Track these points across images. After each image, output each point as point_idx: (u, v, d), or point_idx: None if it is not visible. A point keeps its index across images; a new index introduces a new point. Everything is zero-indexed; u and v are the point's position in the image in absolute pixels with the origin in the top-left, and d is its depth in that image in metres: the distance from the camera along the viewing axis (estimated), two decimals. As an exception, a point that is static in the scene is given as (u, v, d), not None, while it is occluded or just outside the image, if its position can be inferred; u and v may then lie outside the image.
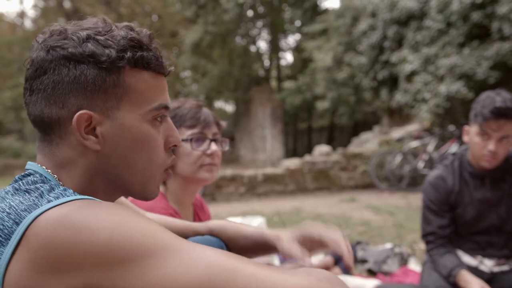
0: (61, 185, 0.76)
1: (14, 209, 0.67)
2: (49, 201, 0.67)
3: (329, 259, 3.04)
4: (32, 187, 0.73)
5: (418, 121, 8.81)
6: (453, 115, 8.03)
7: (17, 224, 0.65)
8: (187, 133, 1.59)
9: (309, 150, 13.84)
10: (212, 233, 1.14)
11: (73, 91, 0.77)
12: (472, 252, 2.20)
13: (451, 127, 7.36)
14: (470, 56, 7.20)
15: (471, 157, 2.12)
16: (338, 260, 3.09)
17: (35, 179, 0.75)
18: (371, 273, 3.13)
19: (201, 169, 1.60)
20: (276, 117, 16.51)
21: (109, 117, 0.79)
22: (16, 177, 0.79)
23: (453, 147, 7.03)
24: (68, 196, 0.70)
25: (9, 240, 0.64)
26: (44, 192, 0.71)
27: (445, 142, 7.49)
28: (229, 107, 24.31)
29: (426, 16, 8.11)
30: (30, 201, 0.68)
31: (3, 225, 0.66)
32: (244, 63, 17.71)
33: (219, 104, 24.15)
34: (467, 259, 2.19)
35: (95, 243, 0.61)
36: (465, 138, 2.11)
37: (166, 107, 0.85)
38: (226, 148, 1.70)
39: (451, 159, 2.24)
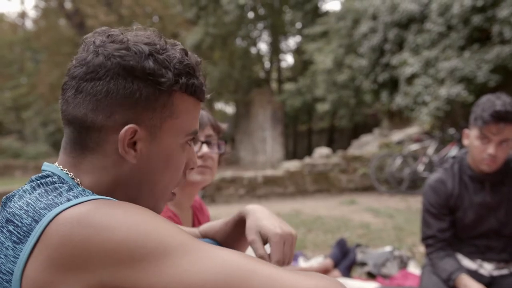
0: (79, 185, 0.77)
1: (33, 207, 0.68)
2: (68, 200, 0.68)
3: (328, 261, 3.03)
4: (50, 187, 0.73)
5: (418, 124, 8.81)
6: (453, 118, 8.03)
7: (36, 222, 0.65)
8: None
9: (309, 152, 13.84)
10: (204, 235, 1.14)
11: (125, 104, 0.77)
12: (471, 256, 2.20)
13: (451, 130, 7.36)
14: (471, 60, 7.20)
15: (471, 161, 2.12)
16: (337, 262, 3.09)
17: (53, 180, 0.76)
18: (371, 276, 3.13)
19: (192, 171, 1.59)
20: (276, 119, 16.51)
21: (150, 135, 0.80)
22: (33, 177, 0.78)
23: (453, 150, 7.03)
24: (87, 195, 0.71)
25: (28, 237, 0.64)
26: (63, 191, 0.71)
27: (445, 145, 7.49)
28: (230, 109, 24.31)
29: (427, 19, 8.12)
30: (49, 200, 0.68)
31: (21, 222, 0.67)
32: (245, 65, 17.72)
33: (219, 105, 24.15)
34: (466, 262, 2.19)
35: (112, 242, 0.62)
36: (465, 142, 2.11)
37: (196, 133, 0.88)
38: (222, 150, 1.68)
39: (451, 162, 2.24)
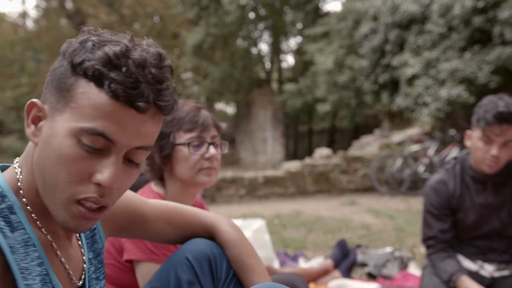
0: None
1: None
2: None
3: (329, 262, 3.03)
4: None
5: (418, 125, 8.80)
6: (454, 119, 8.03)
7: None
8: (185, 137, 1.58)
9: (309, 152, 13.83)
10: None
11: (50, 82, 0.81)
12: (472, 257, 2.20)
13: (452, 131, 7.35)
14: (472, 61, 7.20)
15: (473, 162, 2.11)
16: (338, 263, 3.09)
17: None
18: (371, 276, 3.13)
19: (199, 173, 1.59)
20: (277, 119, 16.51)
21: (52, 117, 0.79)
22: None
23: (453, 151, 7.03)
24: None
25: None
26: None
27: (445, 146, 7.48)
28: (230, 109, 24.32)
29: (428, 20, 8.11)
30: None
31: None
32: (246, 65, 17.71)
33: (220, 106, 24.15)
34: (467, 264, 2.19)
35: None
36: (467, 143, 2.11)
37: (104, 137, 0.76)
38: (226, 151, 1.69)
39: (452, 163, 2.24)
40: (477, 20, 7.03)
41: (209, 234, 1.22)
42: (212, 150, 1.60)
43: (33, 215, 0.82)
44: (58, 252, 0.87)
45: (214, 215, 1.26)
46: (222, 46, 17.02)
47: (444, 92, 7.27)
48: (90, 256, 0.99)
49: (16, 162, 0.85)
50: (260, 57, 19.21)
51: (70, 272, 0.89)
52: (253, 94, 17.67)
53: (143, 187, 1.70)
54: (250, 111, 17.85)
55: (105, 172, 0.77)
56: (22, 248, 0.77)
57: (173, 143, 1.58)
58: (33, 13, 28.42)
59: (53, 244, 0.85)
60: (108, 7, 19.76)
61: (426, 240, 2.22)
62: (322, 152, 8.90)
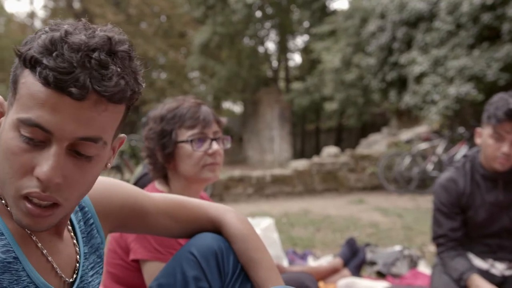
0: None
1: None
2: None
3: (338, 260, 3.03)
4: None
5: (427, 123, 8.76)
6: (462, 117, 7.99)
7: None
8: (187, 133, 1.58)
9: (317, 151, 13.82)
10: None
11: (11, 77, 0.78)
12: (483, 255, 2.18)
13: (461, 129, 7.31)
14: (480, 58, 7.15)
15: (483, 159, 2.10)
16: (347, 262, 3.08)
17: None
18: (380, 275, 3.12)
19: (204, 169, 1.59)
20: (284, 118, 16.50)
21: (7, 112, 0.78)
22: None
23: (462, 149, 6.99)
24: None
25: None
26: None
27: (454, 144, 7.44)
28: (237, 108, 24.34)
29: (436, 18, 8.07)
30: None
31: None
32: (252, 64, 17.71)
33: (227, 105, 24.18)
34: (478, 262, 2.18)
35: None
36: (478, 140, 2.10)
37: (40, 128, 0.72)
38: (228, 145, 1.68)
39: (462, 161, 2.22)
40: (486, 17, 6.98)
41: (215, 227, 1.20)
42: (215, 145, 1.60)
43: (9, 208, 0.80)
44: (39, 245, 0.86)
45: (222, 207, 1.23)
46: (229, 45, 17.04)
47: (452, 90, 7.23)
48: (86, 251, 0.98)
49: None
50: (267, 55, 19.20)
51: (54, 265, 0.88)
52: (260, 93, 17.67)
53: (147, 186, 1.70)
54: (257, 110, 17.85)
55: (44, 165, 0.73)
56: None
57: (175, 141, 1.58)
58: (41, 13, 28.58)
59: (32, 236, 0.85)
60: (115, 7, 19.84)
61: (436, 238, 2.21)
62: (330, 151, 8.89)
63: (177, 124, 1.58)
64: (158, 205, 1.14)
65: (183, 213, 1.17)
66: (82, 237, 0.98)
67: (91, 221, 1.02)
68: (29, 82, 0.72)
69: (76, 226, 0.97)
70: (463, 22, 7.45)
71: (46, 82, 0.70)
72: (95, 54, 0.72)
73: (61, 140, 0.73)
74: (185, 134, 1.58)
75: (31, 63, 0.72)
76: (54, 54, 0.70)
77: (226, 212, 1.22)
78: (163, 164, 1.63)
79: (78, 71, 0.70)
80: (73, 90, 0.70)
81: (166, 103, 1.67)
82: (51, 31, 0.74)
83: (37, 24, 25.06)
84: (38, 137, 0.73)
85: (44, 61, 0.70)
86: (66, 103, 0.71)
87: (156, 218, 1.13)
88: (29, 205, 0.75)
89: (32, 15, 25.47)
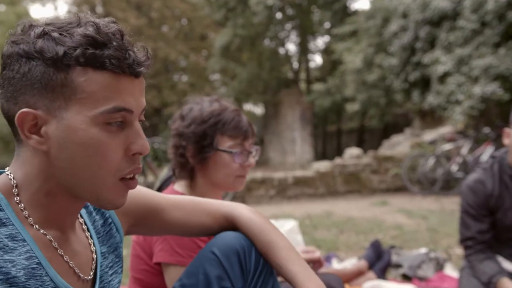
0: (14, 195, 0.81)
1: None
2: None
3: (363, 263, 3.01)
4: None
5: (451, 123, 8.63)
6: (488, 117, 7.85)
7: None
8: (228, 143, 1.57)
9: (338, 152, 13.73)
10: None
11: (23, 88, 0.77)
12: (512, 258, 2.14)
13: (486, 129, 7.18)
14: (506, 56, 7.02)
15: (511, 160, 2.06)
16: (372, 264, 3.06)
17: None
18: (406, 278, 3.08)
19: (235, 180, 1.60)
20: (306, 119, 16.45)
21: (56, 117, 0.77)
22: None
23: (488, 150, 6.86)
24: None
25: None
26: None
27: (479, 145, 7.31)
28: (258, 110, 24.34)
29: (460, 16, 7.95)
30: None
31: None
32: (273, 65, 17.71)
33: (248, 106, 24.21)
34: (507, 265, 2.13)
35: None
36: (505, 141, 2.06)
37: (125, 110, 0.80)
38: (257, 157, 1.68)
39: (490, 162, 2.18)
40: (512, 15, 6.86)
41: (229, 221, 1.22)
42: (251, 159, 1.61)
43: (25, 212, 0.82)
44: (59, 251, 0.87)
45: (232, 203, 1.26)
46: (250, 47, 17.08)
47: (477, 89, 7.11)
48: (104, 250, 0.99)
49: (8, 169, 0.85)
50: (287, 57, 19.18)
51: (75, 268, 0.89)
52: (281, 95, 17.66)
53: (165, 189, 1.70)
54: (278, 112, 17.85)
55: (138, 140, 0.83)
56: (10, 242, 0.78)
57: (216, 148, 1.57)
58: (65, 18, 29.03)
59: (52, 242, 0.86)
60: (137, 11, 20.06)
61: (464, 241, 2.17)
62: (352, 152, 8.82)
63: (219, 130, 1.57)
64: (173, 202, 1.16)
65: (197, 208, 1.19)
66: (99, 237, 0.99)
67: (110, 220, 1.03)
68: (95, 76, 0.77)
69: (91, 227, 0.99)
70: (488, 20, 7.33)
71: (116, 70, 0.77)
72: (126, 37, 0.81)
73: (136, 115, 0.83)
74: (226, 143, 1.57)
75: (89, 59, 0.76)
76: (113, 44, 0.77)
77: (237, 206, 1.25)
78: (193, 165, 1.61)
79: (130, 54, 0.79)
80: (137, 69, 0.80)
81: (189, 103, 1.66)
82: (61, 29, 0.77)
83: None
84: (121, 120, 0.81)
85: (106, 52, 0.76)
86: (132, 82, 0.81)
87: (173, 214, 1.15)
88: (129, 182, 0.85)
89: (56, 20, 25.90)
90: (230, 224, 1.22)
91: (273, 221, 3.29)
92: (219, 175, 1.59)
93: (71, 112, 0.77)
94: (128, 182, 0.85)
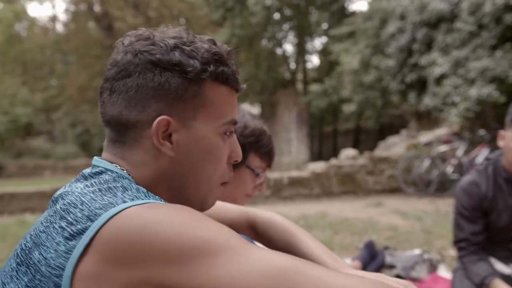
0: (134, 183, 0.79)
1: (88, 206, 0.69)
2: (124, 201, 0.70)
3: (356, 263, 3.00)
4: (105, 186, 0.75)
5: (447, 125, 8.65)
6: (483, 119, 7.86)
7: (92, 221, 0.67)
8: (257, 163, 1.58)
9: (334, 153, 13.74)
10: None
11: (156, 97, 0.79)
12: (505, 260, 2.14)
13: (482, 132, 7.20)
14: (503, 59, 7.04)
15: (506, 163, 2.06)
16: (365, 265, 3.05)
17: (107, 178, 0.77)
18: (399, 279, 3.08)
19: (244, 198, 1.61)
20: (302, 120, 16.46)
21: (185, 126, 0.82)
22: (86, 173, 0.80)
23: (483, 152, 6.88)
24: (142, 198, 0.73)
25: (82, 235, 0.66)
26: (118, 192, 0.73)
27: (475, 147, 7.33)
28: (255, 110, 24.34)
29: (457, 18, 7.97)
30: (105, 200, 0.70)
31: (76, 220, 0.68)
32: (270, 66, 17.73)
33: (244, 107, 24.22)
34: (500, 267, 2.13)
35: (164, 240, 0.63)
36: (500, 143, 2.05)
37: (235, 123, 0.88)
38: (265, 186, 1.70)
39: (485, 164, 2.18)
40: (509, 18, 6.87)
41: (249, 220, 1.22)
42: (264, 184, 1.62)
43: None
44: None
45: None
46: (247, 47, 17.07)
47: (473, 92, 7.13)
48: None
49: (122, 169, 0.84)
50: (285, 57, 19.19)
51: None
52: (278, 95, 17.66)
53: None
54: (274, 112, 17.85)
55: (237, 150, 0.91)
56: None
57: (246, 164, 1.57)
58: (62, 16, 29.09)
59: None
60: (135, 10, 20.04)
61: (457, 242, 2.17)
62: (348, 153, 8.83)
63: (253, 147, 1.57)
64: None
65: (221, 207, 1.21)
66: None
67: None
68: (221, 90, 0.84)
69: None
70: (485, 22, 7.34)
71: (232, 86, 0.86)
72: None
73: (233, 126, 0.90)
74: (255, 162, 1.58)
75: (218, 75, 0.83)
76: (226, 63, 0.84)
77: (254, 208, 1.27)
78: None
79: (239, 72, 0.88)
80: (240, 86, 0.89)
81: None
82: (189, 44, 0.82)
83: (59, 27, 25.47)
84: (231, 130, 0.89)
85: (227, 70, 0.84)
86: (236, 97, 0.89)
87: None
88: (222, 187, 0.91)
89: (54, 18, 25.93)
90: (249, 221, 1.23)
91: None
92: (235, 189, 1.58)
93: (198, 121, 0.82)
94: (222, 186, 0.91)
